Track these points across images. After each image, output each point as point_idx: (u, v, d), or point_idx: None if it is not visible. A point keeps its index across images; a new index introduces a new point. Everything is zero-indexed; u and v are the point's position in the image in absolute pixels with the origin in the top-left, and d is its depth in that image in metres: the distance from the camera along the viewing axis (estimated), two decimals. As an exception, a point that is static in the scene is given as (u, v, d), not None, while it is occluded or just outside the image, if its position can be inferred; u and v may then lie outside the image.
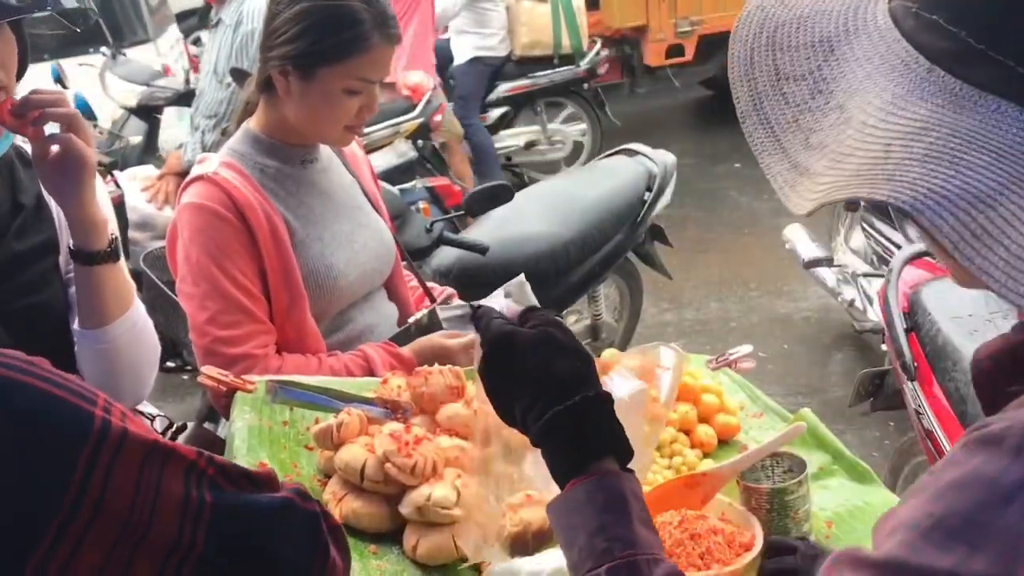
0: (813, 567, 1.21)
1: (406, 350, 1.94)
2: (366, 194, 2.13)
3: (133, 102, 5.00)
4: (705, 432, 1.65)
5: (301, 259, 1.90)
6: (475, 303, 1.14)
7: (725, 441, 1.67)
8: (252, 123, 1.98)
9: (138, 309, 1.58)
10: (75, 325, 1.54)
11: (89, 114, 4.14)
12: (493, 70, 6.74)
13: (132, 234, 4.03)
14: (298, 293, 1.88)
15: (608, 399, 1.00)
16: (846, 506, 1.48)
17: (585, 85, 6.97)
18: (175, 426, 1.77)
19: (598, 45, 6.96)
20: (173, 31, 7.75)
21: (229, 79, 3.64)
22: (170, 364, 3.47)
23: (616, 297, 4.25)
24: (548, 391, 0.99)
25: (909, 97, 0.77)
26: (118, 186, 3.96)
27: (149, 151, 5.04)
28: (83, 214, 1.47)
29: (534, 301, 1.27)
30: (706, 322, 5.04)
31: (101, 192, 1.69)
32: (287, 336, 1.90)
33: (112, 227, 1.65)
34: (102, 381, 1.56)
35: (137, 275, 3.76)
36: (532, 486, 1.30)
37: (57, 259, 1.59)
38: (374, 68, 1.84)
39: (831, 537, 1.43)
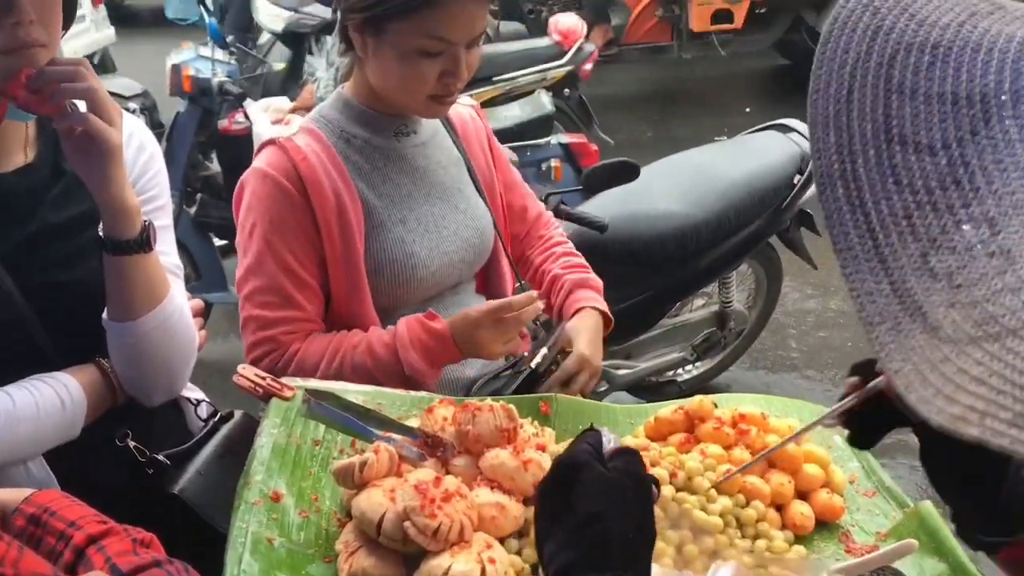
0: None
1: (442, 323, 1.67)
2: (473, 174, 1.91)
3: (279, 27, 4.93)
4: (801, 511, 1.39)
5: (378, 243, 1.72)
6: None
7: (824, 523, 1.41)
8: (347, 87, 1.79)
9: (173, 303, 1.44)
10: (104, 315, 1.41)
11: (221, 42, 4.07)
12: None
13: (255, 167, 3.98)
14: (358, 281, 1.71)
15: None
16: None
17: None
18: (220, 414, 1.63)
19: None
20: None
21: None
22: None
23: (751, 281, 3.93)
24: (584, 547, 0.81)
25: None
26: (247, 117, 3.89)
27: (292, 78, 4.98)
28: (109, 198, 1.32)
29: None
30: (852, 315, 4.64)
31: (156, 161, 1.55)
32: (345, 325, 1.74)
33: (160, 203, 1.52)
34: (130, 376, 1.44)
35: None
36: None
37: (98, 233, 1.46)
38: (449, 26, 1.58)
39: None
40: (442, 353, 1.66)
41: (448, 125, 1.91)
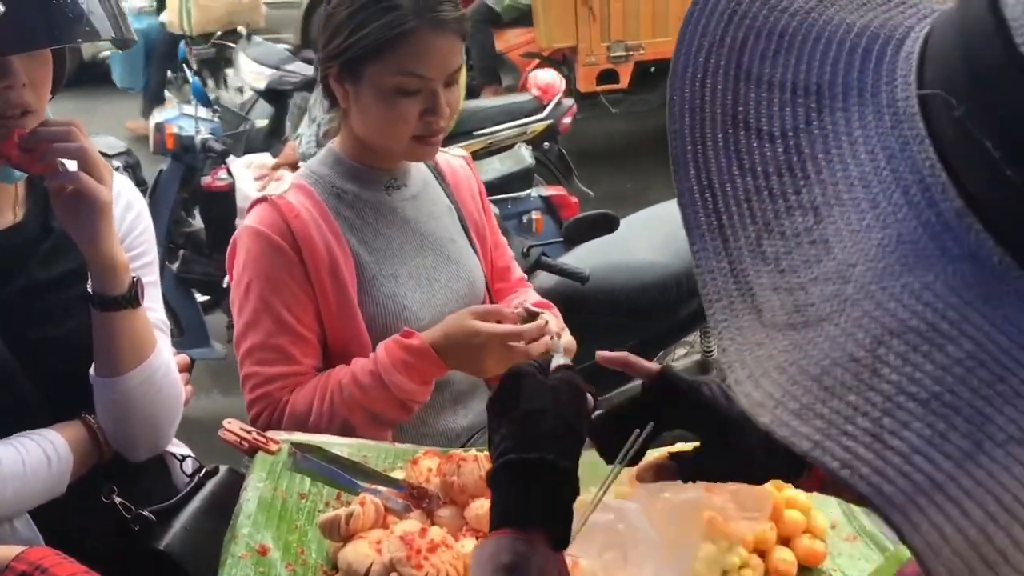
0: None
1: (425, 337, 1.64)
2: (464, 223, 1.93)
3: (262, 85, 4.99)
4: (783, 558, 1.40)
5: (371, 297, 1.74)
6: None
7: (807, 568, 1.42)
8: (336, 142, 1.82)
9: (159, 358, 1.45)
10: (91, 370, 1.43)
11: (204, 100, 4.13)
12: None
13: (240, 223, 4.00)
14: (356, 335, 1.72)
15: (570, 476, 0.96)
16: None
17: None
18: (204, 469, 1.64)
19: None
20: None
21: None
22: None
23: (733, 331, 3.96)
24: (520, 436, 0.96)
25: (916, 250, 0.48)
26: (230, 174, 3.92)
27: (275, 135, 5.03)
28: (99, 255, 1.35)
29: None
30: (832, 362, 4.67)
31: (143, 219, 1.57)
32: None
33: (147, 260, 1.54)
34: (115, 431, 1.45)
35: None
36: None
37: (86, 289, 1.47)
38: (423, 61, 1.61)
39: None
40: (426, 368, 1.63)
41: (438, 175, 1.93)
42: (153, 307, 1.52)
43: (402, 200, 1.82)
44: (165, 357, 1.47)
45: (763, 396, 0.50)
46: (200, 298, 4.41)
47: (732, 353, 0.52)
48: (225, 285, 3.94)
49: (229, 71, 5.50)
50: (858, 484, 0.46)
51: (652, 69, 7.39)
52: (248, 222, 1.73)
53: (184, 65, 4.31)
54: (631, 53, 7.16)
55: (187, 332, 4.19)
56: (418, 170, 1.87)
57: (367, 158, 1.78)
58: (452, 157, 1.99)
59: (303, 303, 1.69)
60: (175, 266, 4.23)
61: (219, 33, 5.52)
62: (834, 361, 0.48)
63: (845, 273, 0.49)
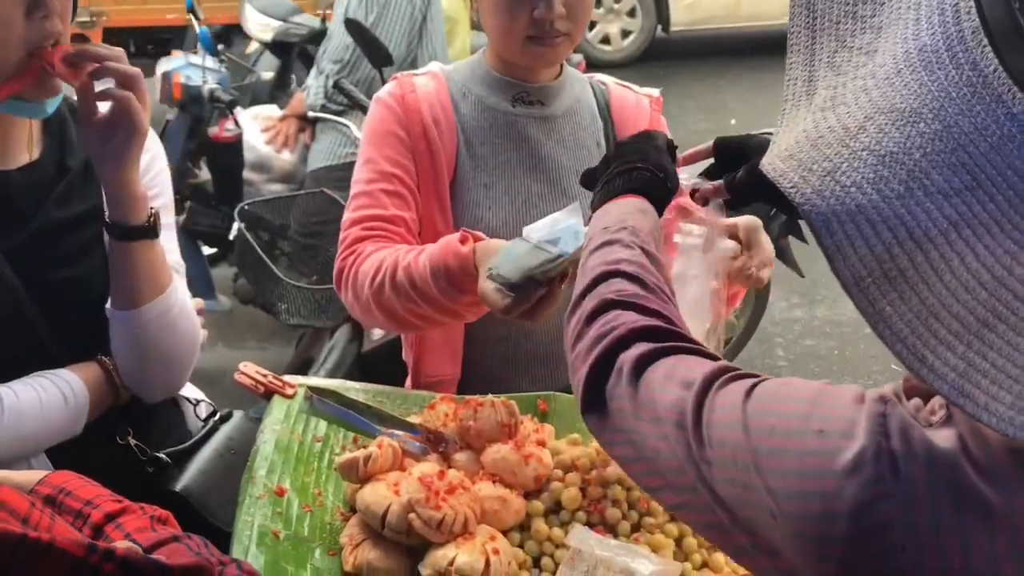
0: None
1: (470, 247, 1.50)
2: None
3: (268, 36, 4.94)
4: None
5: (458, 199, 1.69)
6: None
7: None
8: (485, 51, 1.79)
9: (175, 294, 1.45)
10: (108, 304, 1.42)
11: (211, 50, 4.08)
12: None
13: (248, 175, 3.97)
14: (445, 229, 1.66)
15: (661, 181, 1.24)
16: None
17: None
18: (219, 414, 1.64)
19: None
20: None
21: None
22: None
23: (740, 290, 3.95)
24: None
25: (932, 55, 0.58)
26: (237, 125, 3.89)
27: (280, 87, 4.99)
28: (123, 183, 1.35)
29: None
30: (839, 323, 4.67)
31: (158, 161, 1.56)
32: None
33: (163, 201, 1.53)
34: (131, 369, 1.45)
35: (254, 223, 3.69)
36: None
37: (101, 230, 1.47)
38: None
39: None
40: (463, 278, 1.49)
41: (604, 107, 1.81)
42: (169, 248, 1.51)
43: (528, 116, 1.73)
44: (181, 295, 1.47)
45: (778, 152, 0.63)
46: (207, 251, 4.40)
47: (781, 131, 0.66)
48: (231, 237, 3.93)
49: None
50: (795, 197, 0.59)
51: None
52: (375, 96, 1.78)
53: (191, 13, 4.26)
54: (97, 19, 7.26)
55: (194, 284, 4.18)
56: (571, 95, 1.76)
57: (504, 69, 1.73)
58: (635, 94, 1.85)
59: (402, 163, 1.69)
60: (181, 218, 4.20)
61: None
62: (831, 128, 0.60)
63: (876, 72, 0.60)
